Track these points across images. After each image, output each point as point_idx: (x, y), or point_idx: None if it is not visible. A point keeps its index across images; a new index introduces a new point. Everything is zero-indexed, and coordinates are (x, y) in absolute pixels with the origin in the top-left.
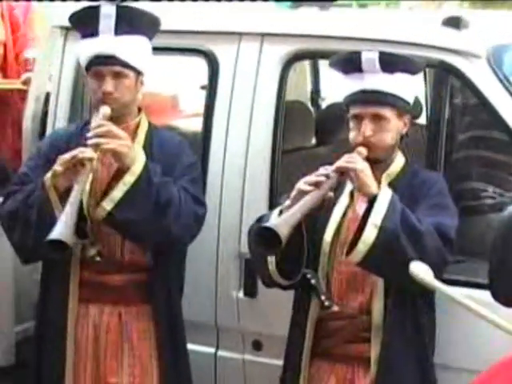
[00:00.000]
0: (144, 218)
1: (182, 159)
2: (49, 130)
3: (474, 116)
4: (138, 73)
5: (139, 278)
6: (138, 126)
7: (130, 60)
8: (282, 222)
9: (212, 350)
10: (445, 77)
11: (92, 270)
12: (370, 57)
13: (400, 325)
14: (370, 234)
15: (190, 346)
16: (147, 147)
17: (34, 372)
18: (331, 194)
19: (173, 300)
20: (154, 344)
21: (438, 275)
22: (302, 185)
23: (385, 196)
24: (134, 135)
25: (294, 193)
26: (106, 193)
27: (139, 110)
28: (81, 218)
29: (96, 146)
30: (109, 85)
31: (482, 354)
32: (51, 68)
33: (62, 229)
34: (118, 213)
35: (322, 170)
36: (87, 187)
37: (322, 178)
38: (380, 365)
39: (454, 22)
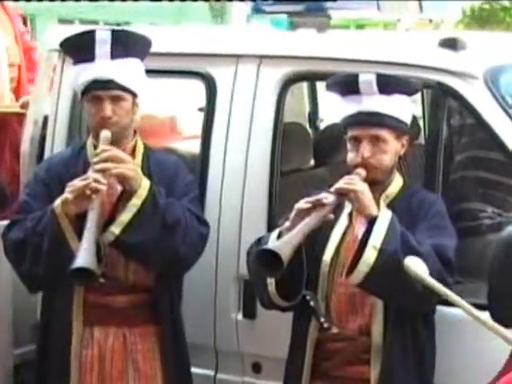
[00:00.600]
0: (152, 241)
1: (180, 179)
2: (47, 154)
3: (471, 136)
4: (134, 95)
5: (143, 299)
6: (134, 148)
7: (127, 83)
8: (283, 243)
9: (211, 372)
10: (442, 98)
11: (96, 292)
12: (367, 79)
13: (400, 346)
14: (369, 256)
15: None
16: (145, 169)
17: None
18: (331, 215)
19: (177, 318)
20: (159, 363)
21: (438, 297)
22: (301, 204)
23: (384, 218)
24: (131, 158)
25: (293, 213)
26: (110, 216)
27: (134, 132)
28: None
29: (103, 171)
30: (108, 109)
31: (483, 373)
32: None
33: (86, 256)
34: (126, 236)
35: (322, 193)
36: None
37: (322, 200)
38: None
39: (450, 44)
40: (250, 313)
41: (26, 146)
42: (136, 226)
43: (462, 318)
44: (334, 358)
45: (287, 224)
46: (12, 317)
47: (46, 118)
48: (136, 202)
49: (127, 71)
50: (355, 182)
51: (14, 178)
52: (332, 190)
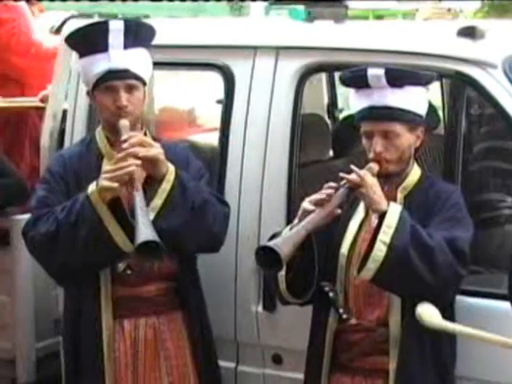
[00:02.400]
0: (185, 223)
1: (192, 163)
2: (66, 147)
3: (490, 126)
4: (145, 85)
5: (169, 286)
6: None
7: (140, 72)
8: (283, 241)
9: (232, 364)
10: (461, 87)
11: (123, 284)
12: (375, 73)
13: (417, 337)
14: (379, 252)
15: None
16: None
17: None
18: (339, 210)
19: (203, 304)
20: (188, 348)
21: (451, 290)
22: (305, 204)
23: (394, 212)
24: None
25: (299, 211)
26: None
27: (141, 123)
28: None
29: (135, 156)
30: (124, 98)
31: (505, 365)
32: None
33: (150, 230)
34: (161, 222)
35: (327, 189)
36: None
37: (326, 197)
38: (399, 377)
39: (469, 32)
40: (269, 305)
41: (45, 139)
42: (169, 211)
43: (484, 308)
44: (353, 349)
45: (296, 221)
46: (33, 311)
47: (64, 112)
48: (166, 187)
49: (139, 61)
50: (364, 176)
51: (33, 171)
52: (341, 184)
